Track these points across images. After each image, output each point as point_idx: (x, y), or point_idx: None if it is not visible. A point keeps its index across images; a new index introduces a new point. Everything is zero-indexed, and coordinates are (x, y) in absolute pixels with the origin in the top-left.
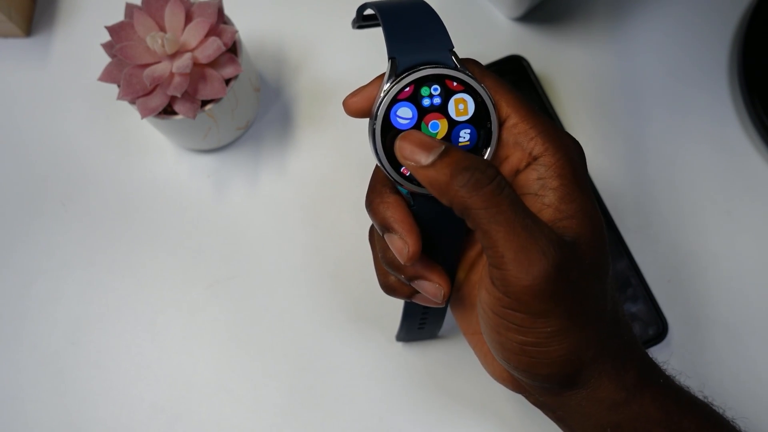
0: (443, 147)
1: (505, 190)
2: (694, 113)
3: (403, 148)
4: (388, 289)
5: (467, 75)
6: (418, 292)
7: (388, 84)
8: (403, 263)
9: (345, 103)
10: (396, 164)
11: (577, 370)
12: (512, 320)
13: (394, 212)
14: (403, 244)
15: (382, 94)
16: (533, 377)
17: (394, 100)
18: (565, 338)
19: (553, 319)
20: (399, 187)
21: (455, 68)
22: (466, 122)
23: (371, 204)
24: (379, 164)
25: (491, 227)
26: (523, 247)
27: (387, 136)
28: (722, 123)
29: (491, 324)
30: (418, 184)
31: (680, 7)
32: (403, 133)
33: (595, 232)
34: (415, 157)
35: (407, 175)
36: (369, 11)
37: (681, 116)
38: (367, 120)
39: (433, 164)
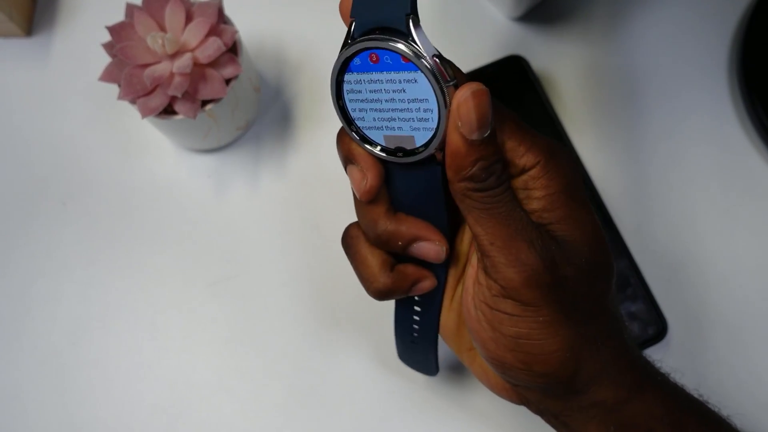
0: (491, 131)
1: (504, 182)
2: (694, 113)
3: (469, 113)
4: (379, 294)
5: (413, 45)
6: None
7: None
8: (359, 198)
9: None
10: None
11: (575, 371)
12: (504, 308)
13: (361, 149)
14: (362, 177)
15: (337, 57)
16: (530, 376)
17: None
18: (558, 331)
19: (543, 309)
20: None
21: (407, 35)
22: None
23: (341, 138)
24: (342, 124)
25: (482, 216)
26: (512, 237)
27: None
28: (722, 123)
29: (486, 320)
30: (377, 147)
31: (680, 7)
32: (477, 90)
33: (587, 234)
34: (467, 127)
35: (367, 137)
36: None
37: (681, 116)
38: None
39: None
